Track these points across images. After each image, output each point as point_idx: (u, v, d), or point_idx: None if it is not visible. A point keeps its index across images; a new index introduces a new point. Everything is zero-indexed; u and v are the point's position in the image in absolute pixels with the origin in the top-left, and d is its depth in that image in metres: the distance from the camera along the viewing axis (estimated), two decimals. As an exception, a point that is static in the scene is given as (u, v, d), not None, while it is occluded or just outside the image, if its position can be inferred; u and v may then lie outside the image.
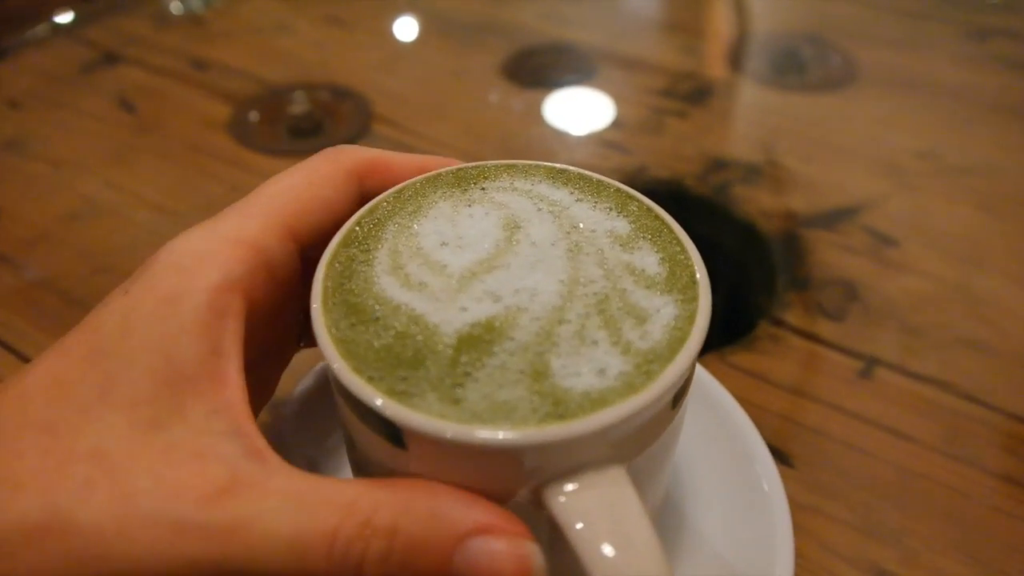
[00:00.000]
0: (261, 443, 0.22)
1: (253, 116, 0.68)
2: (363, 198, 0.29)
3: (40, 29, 0.81)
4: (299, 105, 0.69)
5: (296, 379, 0.39)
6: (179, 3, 0.85)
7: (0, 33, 0.80)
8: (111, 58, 0.76)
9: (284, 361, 0.31)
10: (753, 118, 0.69)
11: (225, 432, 0.22)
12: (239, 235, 0.25)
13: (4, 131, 0.67)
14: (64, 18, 0.82)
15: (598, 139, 0.66)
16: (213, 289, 0.24)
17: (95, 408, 0.22)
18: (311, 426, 0.35)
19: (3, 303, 0.51)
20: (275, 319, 0.27)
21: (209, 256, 0.24)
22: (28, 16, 0.82)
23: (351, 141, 0.64)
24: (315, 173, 0.28)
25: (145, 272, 0.24)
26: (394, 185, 0.29)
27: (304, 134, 0.66)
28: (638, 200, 0.28)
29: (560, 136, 0.67)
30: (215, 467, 0.21)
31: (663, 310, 0.24)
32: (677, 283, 0.25)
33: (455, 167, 0.30)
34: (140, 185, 0.61)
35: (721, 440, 0.34)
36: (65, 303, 0.51)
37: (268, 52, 0.78)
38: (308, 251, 0.27)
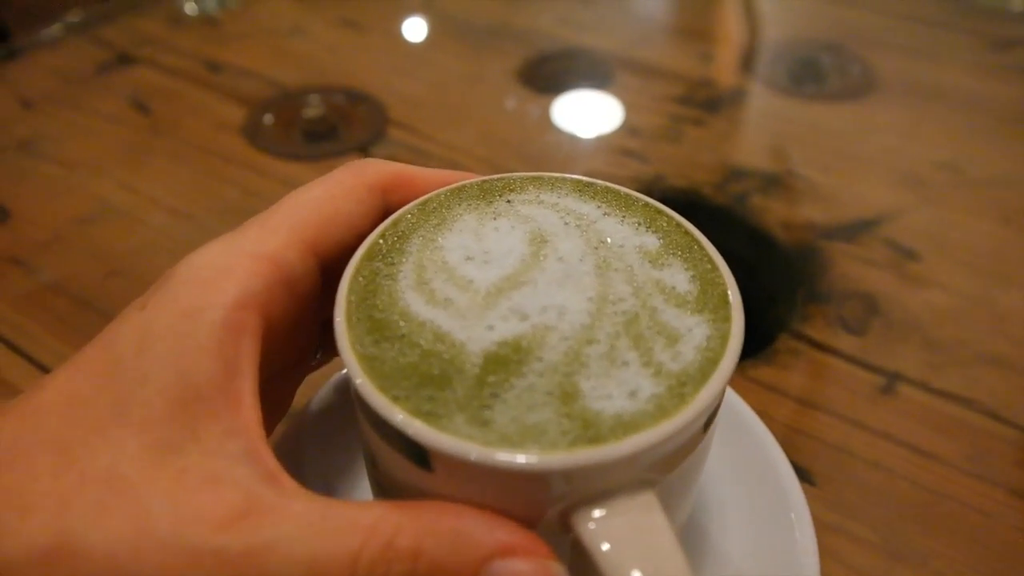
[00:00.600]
0: (275, 466, 0.22)
1: (267, 119, 0.68)
2: (386, 213, 0.28)
3: (54, 29, 0.80)
4: (314, 108, 0.69)
5: (314, 388, 0.38)
6: (194, 4, 0.85)
7: (14, 33, 0.80)
8: (125, 59, 0.76)
9: (300, 376, 0.31)
10: (771, 127, 0.69)
11: (239, 455, 0.21)
12: (260, 249, 0.25)
13: (17, 132, 0.66)
14: (78, 18, 0.82)
15: (614, 146, 0.65)
16: (231, 305, 0.23)
17: (110, 428, 0.21)
18: (329, 439, 0.35)
19: (16, 306, 0.51)
20: (293, 335, 0.27)
21: (228, 270, 0.24)
22: (42, 16, 0.82)
23: (366, 145, 0.64)
24: (339, 186, 0.27)
25: (163, 286, 0.24)
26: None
27: (318, 138, 0.66)
28: (667, 215, 0.28)
29: (575, 142, 0.66)
30: (230, 491, 0.21)
31: (695, 330, 0.24)
32: (709, 302, 0.24)
33: (480, 179, 0.29)
34: (154, 187, 0.61)
35: (744, 457, 0.34)
36: (78, 306, 0.51)
37: (283, 55, 0.77)
38: (329, 265, 0.27)
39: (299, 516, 0.21)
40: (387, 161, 0.29)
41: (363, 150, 0.64)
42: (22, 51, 0.77)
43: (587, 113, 0.69)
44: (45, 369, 0.46)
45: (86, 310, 0.50)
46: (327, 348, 0.32)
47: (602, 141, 0.66)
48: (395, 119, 0.67)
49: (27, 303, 0.51)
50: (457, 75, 0.75)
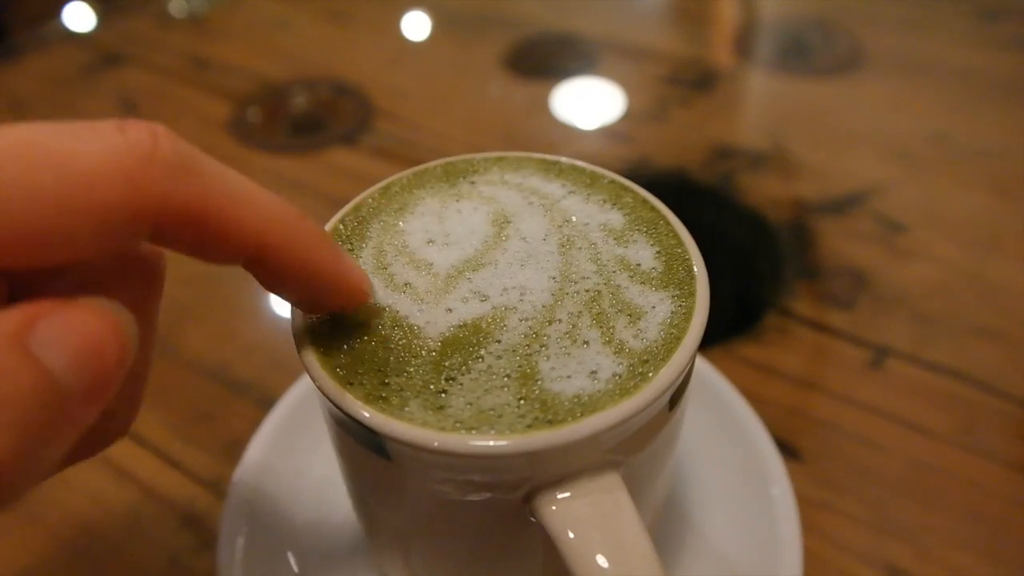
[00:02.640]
0: None
1: (253, 114, 0.67)
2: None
3: (45, 30, 0.80)
4: (299, 101, 0.68)
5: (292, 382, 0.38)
6: (182, 1, 0.85)
7: (4, 35, 0.80)
8: (113, 59, 0.76)
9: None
10: (759, 104, 0.68)
11: None
12: None
13: (4, 134, 0.66)
14: (70, 19, 0.82)
15: (602, 129, 0.64)
16: None
17: None
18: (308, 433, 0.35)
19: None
20: None
21: None
22: (36, 17, 0.81)
23: (352, 137, 0.64)
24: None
25: None
26: None
27: (304, 130, 0.65)
28: (633, 191, 0.27)
29: (563, 127, 0.65)
30: None
31: (658, 307, 0.23)
32: (674, 278, 0.24)
33: (443, 161, 0.29)
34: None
35: (725, 438, 0.33)
36: (64, 307, 0.50)
37: (269, 49, 0.77)
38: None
39: None
40: None
41: (349, 140, 0.63)
42: (13, 53, 0.77)
43: (574, 97, 0.68)
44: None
45: (72, 310, 0.50)
46: None
47: (590, 124, 0.65)
48: (381, 109, 0.67)
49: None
50: (443, 63, 0.75)
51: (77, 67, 0.75)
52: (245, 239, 0.19)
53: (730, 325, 0.46)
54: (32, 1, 0.86)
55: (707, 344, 0.23)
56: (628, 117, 0.65)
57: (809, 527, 0.31)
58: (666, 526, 0.31)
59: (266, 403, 0.38)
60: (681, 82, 0.68)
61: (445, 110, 0.68)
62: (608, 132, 0.64)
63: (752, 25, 0.78)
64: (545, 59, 0.74)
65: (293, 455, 0.34)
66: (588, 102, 0.68)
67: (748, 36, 0.76)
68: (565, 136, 0.65)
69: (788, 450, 0.38)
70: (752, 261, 0.51)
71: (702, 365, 0.36)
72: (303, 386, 0.37)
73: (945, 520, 0.36)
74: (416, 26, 0.81)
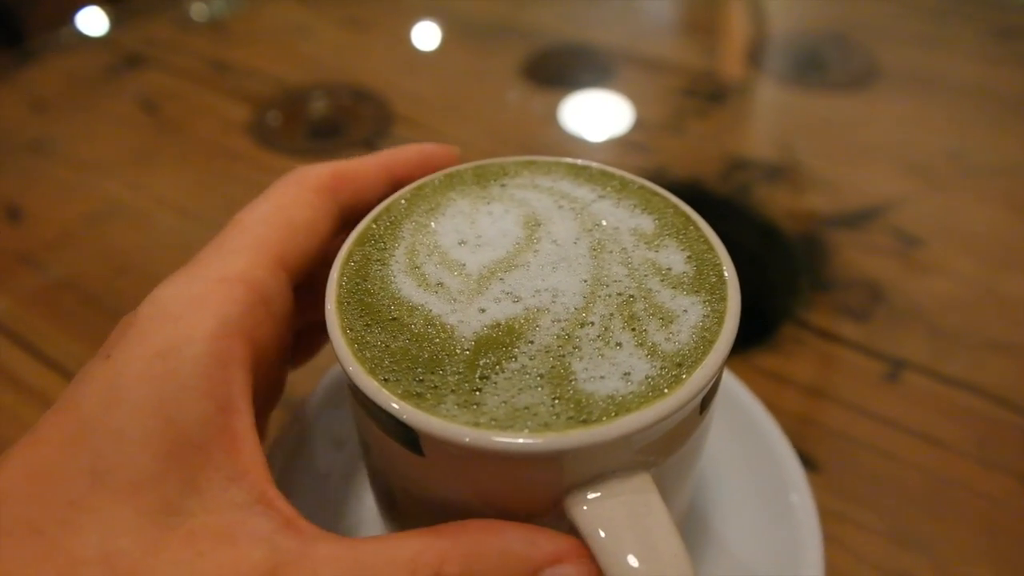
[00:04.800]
0: (289, 510, 0.20)
1: (273, 118, 0.68)
2: (340, 213, 0.27)
3: (65, 32, 0.81)
4: (319, 106, 0.69)
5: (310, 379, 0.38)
6: (203, 4, 0.85)
7: (27, 36, 0.81)
8: (134, 61, 0.77)
9: (279, 395, 0.28)
10: (774, 118, 0.68)
11: (249, 504, 0.19)
12: (228, 273, 0.23)
13: (28, 133, 0.67)
14: (89, 21, 0.83)
15: (618, 140, 0.65)
16: (212, 336, 0.21)
17: (88, 498, 0.18)
18: (329, 432, 0.35)
19: (25, 303, 0.51)
20: (279, 357, 0.25)
21: (200, 300, 0.22)
22: (55, 20, 0.82)
23: (370, 142, 0.64)
24: (285, 197, 0.26)
25: (128, 330, 0.21)
26: (368, 192, 0.28)
27: (324, 135, 0.66)
28: (662, 196, 0.28)
29: (579, 137, 0.66)
30: (250, 547, 0.18)
31: (690, 311, 0.23)
32: (705, 282, 0.24)
33: (473, 164, 0.29)
34: (161, 187, 0.61)
35: (747, 445, 0.34)
36: (86, 303, 0.51)
37: (288, 54, 0.78)
38: (298, 278, 0.25)
39: (332, 562, 0.18)
40: (325, 163, 0.28)
41: (368, 146, 0.64)
42: (33, 55, 0.78)
43: (591, 107, 0.69)
44: (54, 365, 0.46)
45: (94, 308, 0.51)
46: (300, 353, 0.31)
47: (606, 134, 0.66)
48: (400, 115, 0.67)
49: (37, 301, 0.51)
50: (461, 71, 0.75)
51: (98, 69, 0.76)
52: None
53: (746, 335, 0.46)
54: (48, 5, 0.87)
55: (724, 353, 0.23)
56: (644, 128, 0.66)
57: (826, 537, 0.31)
58: (687, 529, 0.31)
59: (288, 405, 0.39)
60: (697, 94, 0.69)
61: (462, 117, 0.68)
62: (624, 142, 0.64)
63: (765, 39, 0.79)
64: (561, 69, 0.75)
65: (316, 456, 0.35)
66: (604, 112, 0.68)
67: (762, 50, 0.77)
68: (581, 145, 0.65)
69: (803, 460, 0.38)
70: (767, 272, 0.51)
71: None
72: (322, 388, 0.37)
73: (961, 533, 0.36)
74: (434, 34, 0.82)
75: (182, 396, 0.20)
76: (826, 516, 0.35)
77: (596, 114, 0.68)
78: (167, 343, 0.20)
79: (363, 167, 0.28)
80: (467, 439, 0.20)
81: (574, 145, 0.65)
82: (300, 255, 0.25)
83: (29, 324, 0.49)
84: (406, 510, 0.26)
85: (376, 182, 0.28)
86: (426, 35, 0.82)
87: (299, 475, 0.33)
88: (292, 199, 0.26)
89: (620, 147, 0.64)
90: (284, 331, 0.25)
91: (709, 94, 0.69)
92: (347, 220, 0.27)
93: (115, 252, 0.55)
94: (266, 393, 0.25)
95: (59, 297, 0.52)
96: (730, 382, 0.35)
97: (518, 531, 0.20)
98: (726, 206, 0.56)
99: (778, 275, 0.51)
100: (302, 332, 0.28)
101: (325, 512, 0.33)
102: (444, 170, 0.29)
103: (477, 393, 0.21)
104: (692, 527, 0.32)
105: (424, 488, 0.23)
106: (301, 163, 0.29)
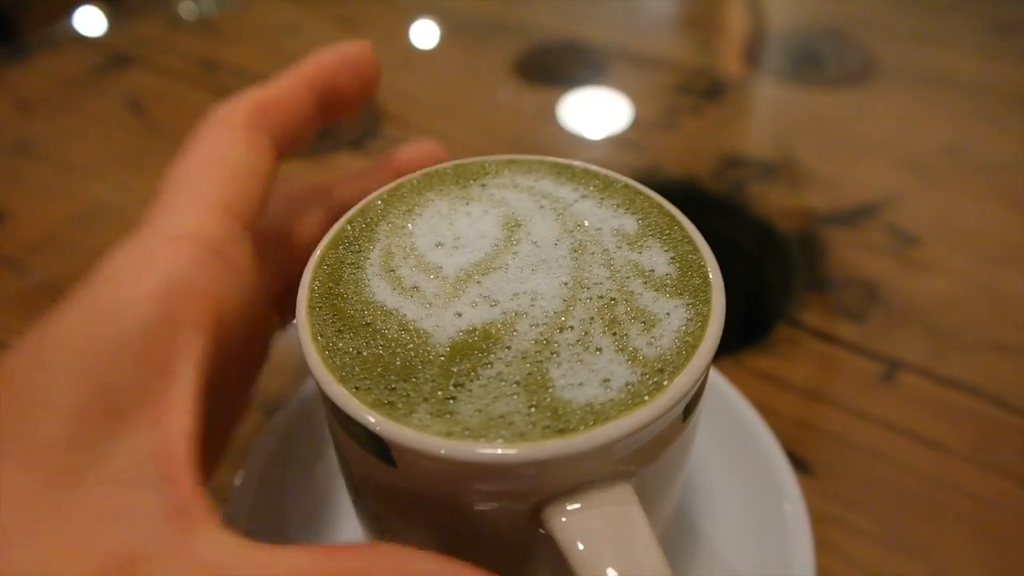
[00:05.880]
0: (191, 494, 0.18)
1: (261, 117, 0.67)
2: (274, 144, 0.26)
3: (52, 32, 0.80)
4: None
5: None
6: (192, 3, 0.84)
7: (20, 34, 0.80)
8: (122, 60, 0.76)
9: (263, 356, 0.27)
10: (770, 114, 0.67)
11: (148, 480, 0.17)
12: (176, 230, 0.21)
13: (13, 134, 0.66)
14: (86, 21, 0.82)
15: (612, 137, 0.64)
16: (155, 297, 0.19)
17: None
18: (311, 439, 0.34)
19: (7, 306, 0.50)
20: (247, 315, 0.23)
21: (146, 260, 0.20)
22: (51, 19, 0.82)
23: (360, 141, 0.63)
24: (215, 142, 0.24)
25: (75, 293, 0.20)
26: (295, 113, 0.27)
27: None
28: (647, 196, 0.27)
29: (573, 134, 0.65)
30: (122, 532, 0.16)
31: (673, 314, 0.23)
32: (688, 285, 0.23)
33: (452, 164, 0.28)
34: (148, 188, 0.59)
35: (737, 450, 0.33)
36: (68, 308, 0.50)
37: (278, 53, 0.77)
38: (252, 224, 0.24)
39: (196, 564, 0.16)
40: (241, 96, 0.26)
41: (357, 145, 0.63)
42: (22, 53, 0.77)
43: (584, 104, 0.68)
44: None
45: (76, 311, 0.50)
46: (288, 313, 0.27)
47: (599, 132, 0.65)
48: (390, 114, 0.67)
49: (19, 304, 0.51)
50: (453, 69, 0.75)
51: (86, 68, 0.75)
52: None
53: (739, 335, 0.45)
54: (43, 3, 0.87)
55: (716, 354, 0.22)
56: (638, 125, 0.65)
57: (820, 542, 0.30)
58: (675, 538, 0.30)
59: (269, 409, 0.38)
60: (691, 91, 0.68)
61: (454, 116, 0.67)
62: (618, 140, 0.63)
63: (761, 35, 0.78)
64: (555, 67, 0.74)
65: (296, 462, 0.34)
66: (597, 110, 0.67)
67: (757, 46, 0.76)
68: (574, 143, 0.64)
69: (798, 463, 0.38)
70: (762, 271, 0.51)
71: (712, 375, 0.36)
72: (305, 392, 0.36)
73: (958, 537, 0.36)
74: (425, 32, 0.81)
75: (114, 360, 0.18)
76: (820, 520, 0.35)
77: (590, 112, 0.67)
78: (108, 304, 0.19)
79: (282, 89, 0.27)
80: (439, 450, 0.19)
81: (568, 143, 0.64)
82: (247, 199, 0.24)
83: (10, 328, 0.49)
84: (381, 521, 0.25)
85: (300, 102, 0.27)
86: (418, 33, 0.81)
87: (280, 480, 0.33)
88: (223, 142, 0.24)
89: (614, 145, 0.63)
90: (250, 285, 0.23)
91: (704, 91, 0.68)
92: (282, 149, 0.26)
93: (100, 254, 0.54)
94: (242, 354, 0.24)
95: (42, 300, 0.51)
96: (721, 385, 0.35)
97: (426, 557, 0.18)
98: (720, 204, 0.56)
99: (773, 274, 0.51)
100: (290, 290, 0.26)
101: (305, 516, 0.32)
102: (423, 169, 0.28)
103: (451, 402, 0.20)
104: (681, 534, 0.31)
105: (397, 499, 0.23)
106: (290, 164, 0.28)
